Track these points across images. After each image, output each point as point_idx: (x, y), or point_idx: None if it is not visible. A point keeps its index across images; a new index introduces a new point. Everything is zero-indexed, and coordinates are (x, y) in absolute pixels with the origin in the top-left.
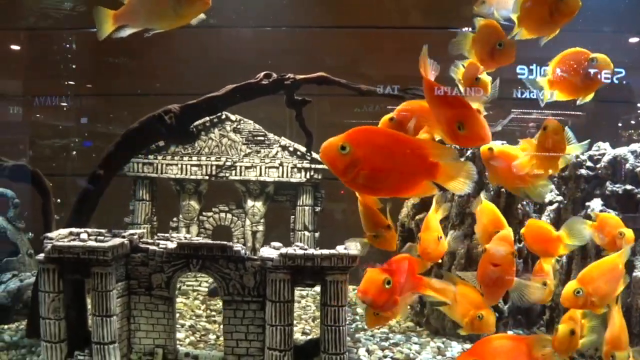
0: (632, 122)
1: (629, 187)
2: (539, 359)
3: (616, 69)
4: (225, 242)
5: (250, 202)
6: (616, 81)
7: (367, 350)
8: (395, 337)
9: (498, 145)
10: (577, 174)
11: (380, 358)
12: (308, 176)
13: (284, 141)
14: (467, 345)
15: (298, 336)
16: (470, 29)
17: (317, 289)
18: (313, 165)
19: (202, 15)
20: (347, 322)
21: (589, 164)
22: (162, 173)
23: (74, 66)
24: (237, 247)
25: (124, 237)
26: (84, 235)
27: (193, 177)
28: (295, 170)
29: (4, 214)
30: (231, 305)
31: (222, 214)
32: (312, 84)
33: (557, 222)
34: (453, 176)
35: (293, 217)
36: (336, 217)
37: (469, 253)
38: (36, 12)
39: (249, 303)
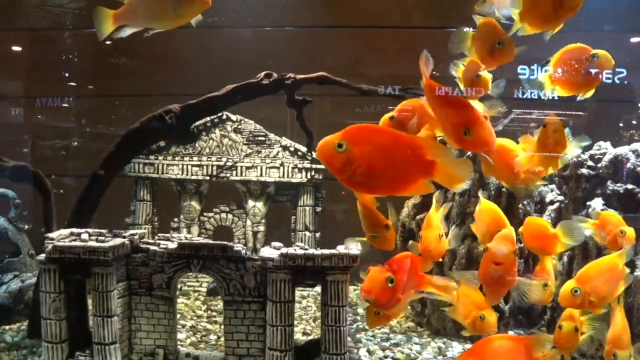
0: (634, 121)
1: (630, 186)
2: (539, 359)
3: (617, 69)
4: (225, 242)
5: (251, 203)
6: (617, 81)
7: (368, 351)
8: (396, 337)
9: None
10: (578, 174)
11: (381, 358)
12: (309, 176)
13: (285, 141)
14: (468, 346)
15: (299, 336)
16: (470, 29)
17: (318, 289)
18: (314, 166)
19: (199, 16)
20: (348, 323)
21: (590, 163)
22: (163, 173)
23: (75, 67)
24: (238, 247)
25: (124, 237)
26: (84, 236)
27: (194, 177)
28: (296, 170)
29: (5, 215)
30: (232, 306)
31: (223, 215)
32: (313, 83)
33: (558, 222)
34: (450, 174)
35: (294, 217)
36: (337, 218)
37: (470, 253)
38: (37, 13)
39: (249, 303)
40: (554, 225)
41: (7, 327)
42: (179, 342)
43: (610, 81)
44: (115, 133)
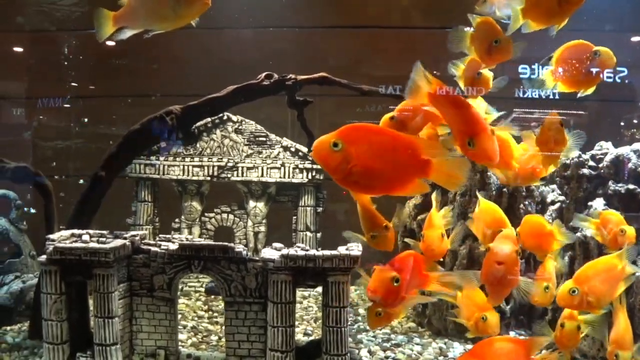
0: (635, 120)
1: (631, 186)
2: None
3: (618, 68)
4: (226, 243)
5: (252, 203)
6: (618, 80)
7: (369, 351)
8: (397, 337)
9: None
10: (579, 174)
11: (382, 359)
12: (310, 177)
13: (286, 142)
14: (469, 346)
15: (300, 337)
16: (470, 28)
17: (319, 289)
18: (315, 166)
19: (194, 21)
20: (349, 323)
21: (591, 163)
22: (164, 174)
23: (76, 68)
24: (239, 248)
25: (125, 238)
26: (85, 237)
27: (195, 178)
28: (297, 170)
29: (6, 216)
30: (233, 307)
31: (224, 215)
32: (314, 84)
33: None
34: (446, 174)
35: (295, 217)
36: (338, 218)
37: (471, 253)
38: (38, 14)
39: (250, 304)
40: None
41: (8, 328)
42: (180, 343)
43: (611, 80)
44: (116, 133)
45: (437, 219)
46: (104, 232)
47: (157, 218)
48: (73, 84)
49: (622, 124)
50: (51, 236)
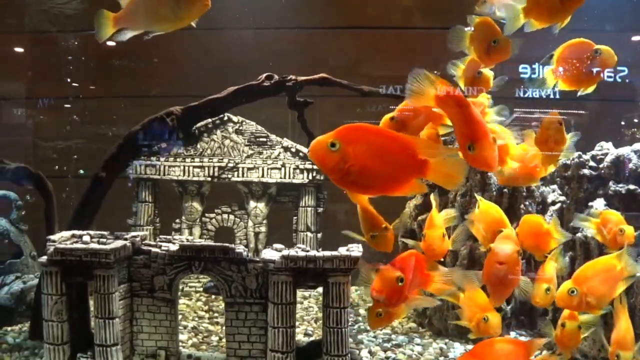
0: (635, 120)
1: (632, 186)
2: None
3: (619, 67)
4: (227, 244)
5: (252, 204)
6: (619, 79)
7: (370, 352)
8: (398, 338)
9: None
10: (580, 174)
11: (383, 359)
12: (310, 177)
13: (286, 142)
14: (470, 347)
15: (300, 337)
16: (469, 27)
17: (320, 290)
18: (315, 167)
19: (193, 24)
20: (350, 324)
21: (592, 163)
22: (164, 175)
23: (76, 68)
24: (239, 249)
25: (126, 239)
26: (86, 238)
27: (195, 178)
28: (298, 171)
29: (7, 216)
30: (233, 307)
31: (225, 216)
32: (314, 85)
33: (559, 223)
34: (444, 173)
35: (295, 218)
36: (339, 218)
37: (472, 254)
38: (39, 14)
39: (251, 305)
40: None
41: (8, 329)
42: (180, 344)
43: (611, 80)
44: (116, 133)
45: (438, 219)
46: (105, 233)
47: (157, 218)
48: (74, 84)
49: (622, 123)
50: (52, 237)
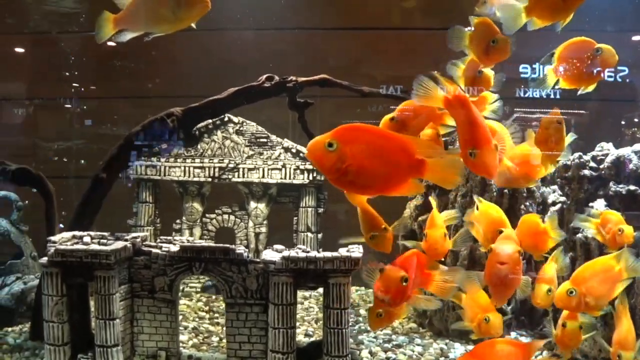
0: (635, 119)
1: (632, 187)
2: None
3: (620, 67)
4: (227, 245)
5: (253, 204)
6: (619, 79)
7: (370, 352)
8: (398, 338)
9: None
10: (580, 175)
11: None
12: (311, 178)
13: (287, 143)
14: (470, 347)
15: (301, 338)
16: (468, 27)
17: (320, 290)
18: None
19: (193, 25)
20: (350, 324)
21: (592, 164)
22: (165, 175)
23: (77, 69)
24: (240, 249)
25: (126, 240)
26: (86, 239)
27: (196, 179)
28: (298, 171)
29: (7, 217)
30: (234, 308)
31: (225, 216)
32: (315, 86)
33: (560, 223)
34: (441, 173)
35: (296, 218)
36: (339, 219)
37: (472, 254)
38: (40, 15)
39: (251, 306)
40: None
41: (9, 329)
42: (181, 344)
43: (612, 79)
44: (117, 134)
45: (439, 219)
46: (105, 233)
47: (158, 219)
48: (74, 84)
49: (622, 122)
50: (52, 238)
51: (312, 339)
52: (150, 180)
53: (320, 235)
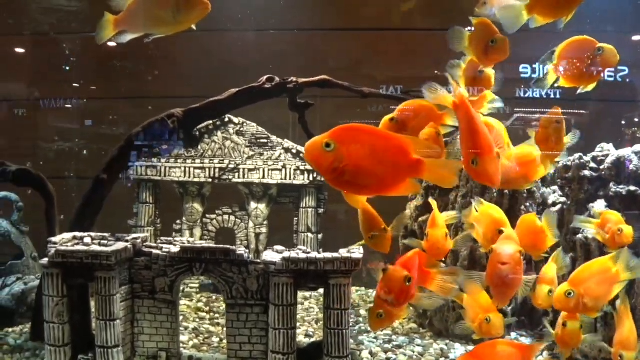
0: (636, 119)
1: (632, 188)
2: None
3: (620, 67)
4: (228, 246)
5: (253, 205)
6: (619, 79)
7: (371, 353)
8: (399, 339)
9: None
10: (580, 175)
11: None
12: (311, 178)
13: (287, 143)
14: (470, 347)
15: (301, 338)
16: (468, 28)
17: (321, 290)
18: None
19: (193, 27)
20: (350, 325)
21: (592, 165)
22: (165, 176)
23: (77, 69)
24: (240, 250)
25: (127, 241)
26: (87, 240)
27: (196, 179)
28: (299, 172)
29: (8, 218)
30: (234, 309)
31: (226, 217)
32: (315, 87)
33: (560, 224)
34: (438, 173)
35: (296, 219)
36: (339, 219)
37: (473, 255)
38: (41, 16)
39: (252, 306)
40: (556, 228)
41: (10, 330)
42: (181, 345)
43: (612, 79)
44: (117, 135)
45: (441, 219)
46: (106, 234)
47: (158, 220)
48: (75, 85)
49: (623, 123)
50: (53, 239)
51: (313, 340)
52: (151, 180)
53: (320, 236)
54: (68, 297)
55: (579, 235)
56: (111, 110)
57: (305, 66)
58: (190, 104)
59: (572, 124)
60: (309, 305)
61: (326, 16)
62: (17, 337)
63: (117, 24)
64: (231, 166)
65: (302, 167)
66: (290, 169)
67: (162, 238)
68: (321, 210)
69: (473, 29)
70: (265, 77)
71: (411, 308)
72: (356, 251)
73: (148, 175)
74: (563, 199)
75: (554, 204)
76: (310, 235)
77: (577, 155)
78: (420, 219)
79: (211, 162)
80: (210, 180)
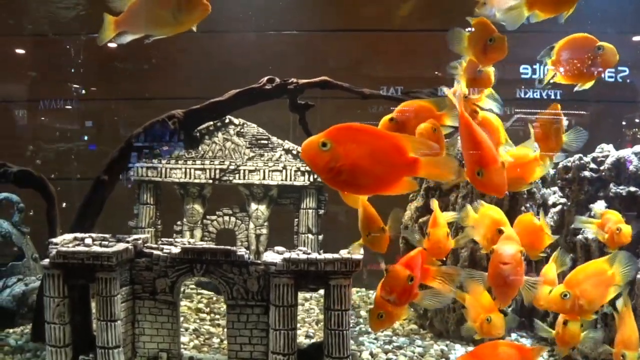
0: (637, 120)
1: (632, 188)
2: None
3: (620, 68)
4: (229, 247)
5: (253, 206)
6: (620, 79)
7: (371, 354)
8: (399, 340)
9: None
10: (580, 176)
11: None
12: (311, 179)
13: (288, 144)
14: (471, 348)
15: (301, 339)
16: (468, 29)
17: (321, 291)
18: None
19: (193, 28)
20: (351, 325)
21: (592, 165)
22: (166, 177)
23: (78, 70)
24: (241, 251)
25: (128, 242)
26: (88, 241)
27: (197, 180)
28: (299, 173)
29: (9, 219)
30: (235, 310)
31: (226, 218)
32: (315, 88)
33: (560, 225)
34: (434, 170)
35: (297, 220)
36: (340, 220)
37: (473, 255)
38: (41, 17)
39: (252, 307)
40: (557, 227)
41: (10, 331)
42: (182, 346)
43: (612, 80)
44: (118, 136)
45: (442, 218)
46: (107, 235)
47: (159, 221)
48: (75, 86)
49: (623, 123)
50: (54, 240)
51: (313, 341)
52: (151, 181)
53: (320, 237)
54: (69, 298)
55: (579, 236)
56: (112, 111)
57: (305, 67)
58: (190, 105)
59: (572, 125)
60: (310, 306)
61: (326, 17)
62: (18, 338)
63: (117, 25)
64: (232, 167)
65: (302, 168)
66: (291, 170)
67: (162, 239)
68: (321, 212)
69: (472, 29)
70: (265, 78)
71: (411, 309)
72: (356, 252)
73: (149, 176)
74: (563, 200)
75: (554, 205)
76: (310, 236)
77: (577, 156)
78: (420, 220)
79: (212, 163)
80: (210, 181)
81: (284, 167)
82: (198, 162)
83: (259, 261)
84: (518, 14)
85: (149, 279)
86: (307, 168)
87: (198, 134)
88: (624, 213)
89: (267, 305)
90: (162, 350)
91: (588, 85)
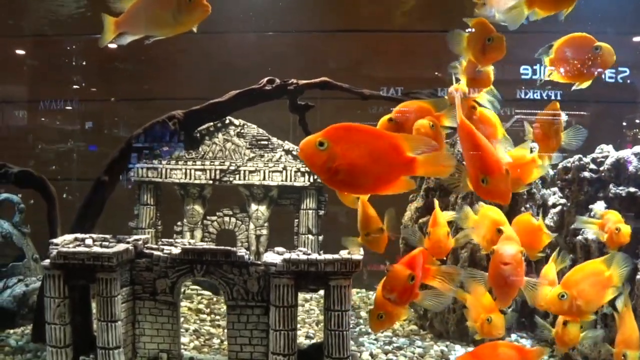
0: (637, 120)
1: (632, 189)
2: None
3: (620, 69)
4: (229, 248)
5: (254, 206)
6: (620, 80)
7: (371, 354)
8: (399, 340)
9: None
10: (580, 177)
11: None
12: (312, 180)
13: (288, 145)
14: (471, 349)
15: (302, 340)
16: (471, 29)
17: (321, 292)
18: None
19: (193, 29)
20: (351, 326)
21: (592, 166)
22: (166, 177)
23: (78, 71)
24: (241, 252)
25: (128, 242)
26: (88, 241)
27: (197, 181)
28: (299, 174)
29: (9, 219)
30: (235, 310)
31: (226, 218)
32: (315, 88)
33: (560, 225)
34: (431, 167)
35: (297, 220)
36: (340, 220)
37: (473, 256)
38: (42, 18)
39: (252, 308)
40: (556, 228)
41: (11, 331)
42: (182, 346)
43: (613, 80)
44: (118, 136)
45: (442, 218)
46: (107, 236)
47: (159, 221)
48: (76, 86)
49: (624, 124)
50: (54, 240)
51: (313, 341)
52: (152, 182)
53: (321, 238)
54: (69, 299)
55: (579, 237)
56: (112, 111)
57: (305, 68)
58: (191, 106)
59: (572, 125)
60: (310, 306)
61: (326, 18)
62: (18, 339)
63: (117, 26)
64: (232, 168)
65: (302, 169)
66: (291, 170)
67: (163, 240)
68: (322, 212)
69: (471, 29)
70: (265, 79)
71: (411, 310)
72: (356, 252)
73: (149, 176)
74: (563, 201)
75: (554, 206)
76: (310, 236)
77: (576, 157)
78: (420, 221)
79: (212, 163)
80: (210, 182)
81: (284, 168)
82: (198, 162)
83: (259, 262)
84: (518, 12)
85: (150, 279)
86: (307, 169)
87: (198, 135)
88: (624, 213)
89: (267, 306)
90: (163, 351)
91: (585, 84)
